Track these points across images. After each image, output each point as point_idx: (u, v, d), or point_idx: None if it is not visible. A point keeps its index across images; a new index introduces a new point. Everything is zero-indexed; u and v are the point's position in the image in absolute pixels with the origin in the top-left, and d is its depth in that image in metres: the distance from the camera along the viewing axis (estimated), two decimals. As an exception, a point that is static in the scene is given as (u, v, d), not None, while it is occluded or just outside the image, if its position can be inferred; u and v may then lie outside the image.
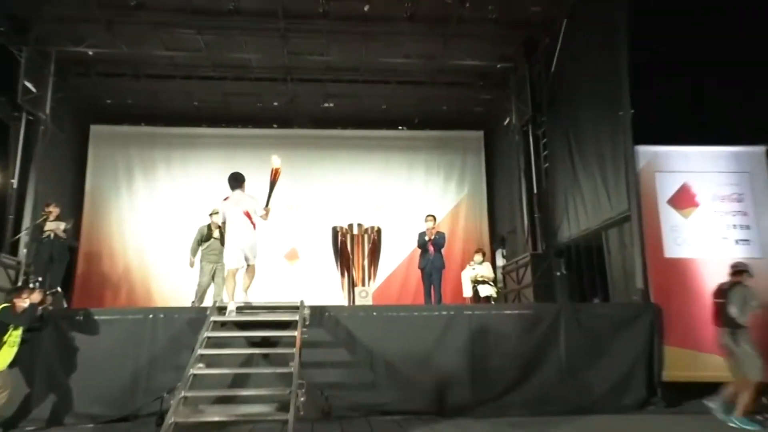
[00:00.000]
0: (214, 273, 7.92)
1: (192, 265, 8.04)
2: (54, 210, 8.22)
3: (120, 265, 12.54)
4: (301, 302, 6.26)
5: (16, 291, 5.88)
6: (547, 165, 11.10)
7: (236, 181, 6.49)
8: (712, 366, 6.50)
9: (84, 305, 8.48)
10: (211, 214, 8.00)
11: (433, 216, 8.83)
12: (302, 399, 5.02)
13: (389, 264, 11.93)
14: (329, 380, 6.22)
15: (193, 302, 7.89)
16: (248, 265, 6.37)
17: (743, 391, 5.66)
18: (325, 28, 10.30)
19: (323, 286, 10.49)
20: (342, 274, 9.10)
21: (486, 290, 9.32)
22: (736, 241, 7.56)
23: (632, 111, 7.66)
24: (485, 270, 9.55)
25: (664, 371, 6.63)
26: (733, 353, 5.83)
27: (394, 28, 10.38)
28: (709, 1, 9.00)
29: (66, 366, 6.20)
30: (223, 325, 6.14)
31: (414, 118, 13.81)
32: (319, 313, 6.45)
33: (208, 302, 7.65)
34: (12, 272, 9.37)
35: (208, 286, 7.97)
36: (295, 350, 5.46)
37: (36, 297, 5.83)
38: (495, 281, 10.00)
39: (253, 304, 6.43)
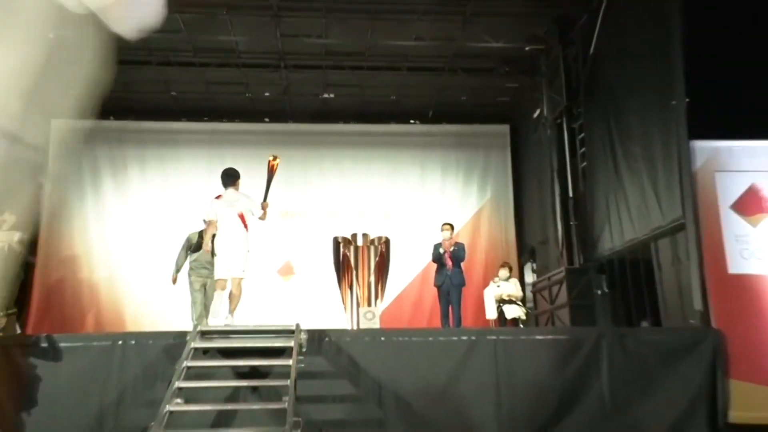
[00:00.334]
0: (205, 289, 7.80)
1: (175, 281, 7.98)
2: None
3: (84, 282, 12.49)
4: (297, 326, 6.19)
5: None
6: (584, 164, 11.07)
7: (230, 177, 6.56)
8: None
9: (41, 330, 8.47)
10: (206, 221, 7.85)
11: (451, 225, 8.87)
12: (298, 440, 4.96)
13: (400, 281, 11.91)
14: (329, 417, 6.16)
15: (195, 325, 7.79)
16: (234, 279, 6.34)
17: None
18: (324, 5, 10.31)
19: (323, 307, 10.53)
20: (344, 293, 9.11)
21: (513, 311, 9.32)
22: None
23: (687, 100, 7.57)
24: (512, 288, 9.56)
25: (730, 411, 6.46)
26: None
27: (405, 5, 10.38)
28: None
29: (18, 402, 6.09)
30: (206, 353, 6.09)
31: (428, 110, 13.82)
32: (317, 338, 6.39)
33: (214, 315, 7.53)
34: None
35: (203, 298, 7.80)
36: (289, 382, 5.41)
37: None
38: (524, 301, 10.00)
39: (241, 328, 6.38)
